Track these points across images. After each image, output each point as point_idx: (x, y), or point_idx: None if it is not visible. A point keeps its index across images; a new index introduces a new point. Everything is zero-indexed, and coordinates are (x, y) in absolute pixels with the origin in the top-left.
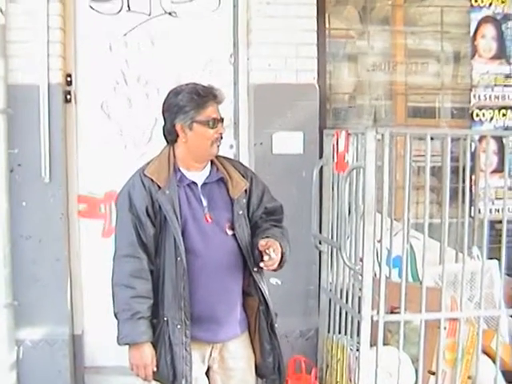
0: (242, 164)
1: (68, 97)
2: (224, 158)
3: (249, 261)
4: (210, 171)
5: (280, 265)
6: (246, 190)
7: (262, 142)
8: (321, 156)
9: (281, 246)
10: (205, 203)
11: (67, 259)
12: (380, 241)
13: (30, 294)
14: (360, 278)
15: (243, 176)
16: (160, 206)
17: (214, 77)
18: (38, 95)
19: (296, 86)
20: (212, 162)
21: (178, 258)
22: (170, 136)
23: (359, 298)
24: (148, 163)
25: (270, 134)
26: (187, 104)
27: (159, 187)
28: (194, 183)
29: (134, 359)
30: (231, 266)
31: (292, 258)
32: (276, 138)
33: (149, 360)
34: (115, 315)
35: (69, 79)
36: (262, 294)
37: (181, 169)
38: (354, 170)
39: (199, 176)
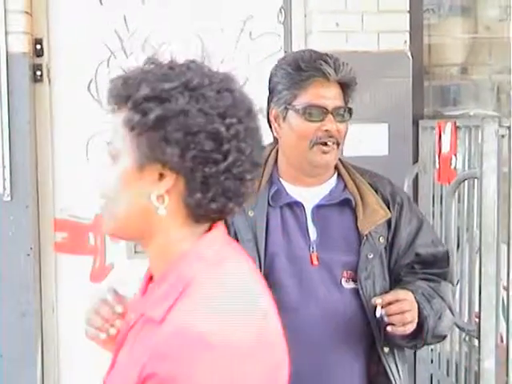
0: (391, 183)
1: (38, 73)
2: (364, 170)
3: (376, 333)
4: (332, 188)
5: (421, 336)
6: (389, 224)
7: None
8: (416, 160)
9: (418, 303)
10: (313, 236)
11: (37, 315)
12: (507, 287)
13: None
14: (477, 343)
15: (387, 202)
16: (236, 234)
17: (255, 42)
18: None
19: (378, 56)
20: (339, 173)
21: None
22: (271, 129)
23: (476, 375)
24: None
25: None
26: (281, 80)
27: None
28: (298, 203)
29: None
30: (345, 339)
31: None
32: (348, 134)
33: None
34: None
35: (39, 47)
36: None
37: (281, 180)
38: (466, 181)
39: (311, 194)
